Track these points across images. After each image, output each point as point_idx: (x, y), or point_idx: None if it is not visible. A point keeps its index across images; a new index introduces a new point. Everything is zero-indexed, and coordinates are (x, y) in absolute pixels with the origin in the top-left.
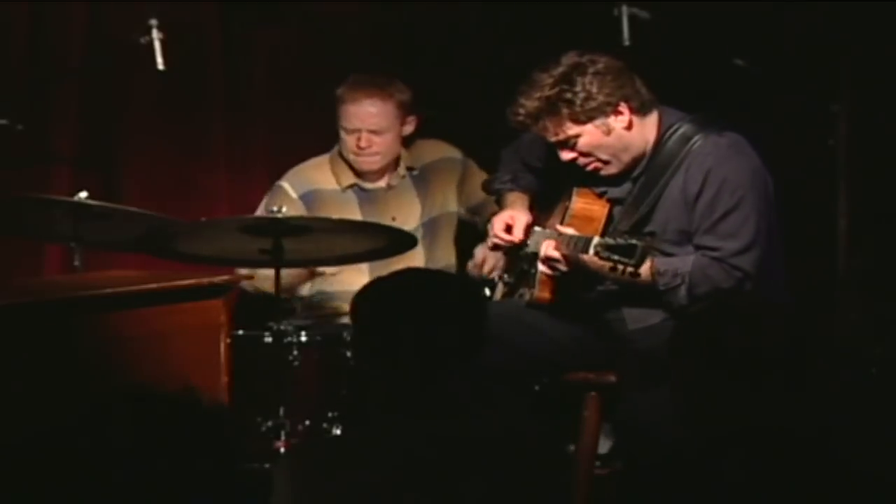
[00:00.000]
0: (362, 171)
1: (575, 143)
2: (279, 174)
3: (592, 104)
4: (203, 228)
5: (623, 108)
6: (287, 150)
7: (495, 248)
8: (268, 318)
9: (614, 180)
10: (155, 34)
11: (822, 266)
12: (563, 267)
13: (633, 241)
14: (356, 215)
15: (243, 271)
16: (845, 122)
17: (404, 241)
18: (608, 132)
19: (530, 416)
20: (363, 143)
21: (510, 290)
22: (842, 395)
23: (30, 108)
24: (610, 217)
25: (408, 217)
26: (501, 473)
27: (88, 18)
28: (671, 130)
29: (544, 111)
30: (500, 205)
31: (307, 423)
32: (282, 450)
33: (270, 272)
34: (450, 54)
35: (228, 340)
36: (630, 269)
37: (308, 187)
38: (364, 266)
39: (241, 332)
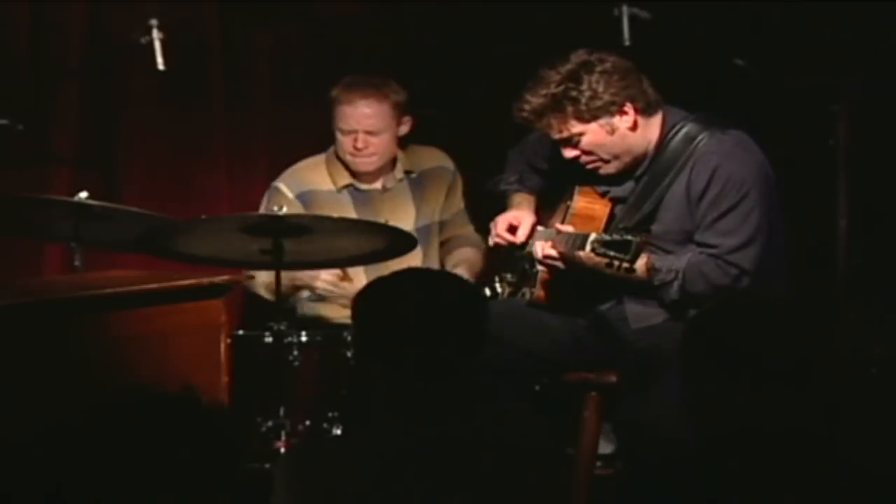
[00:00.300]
0: (359, 172)
1: (578, 141)
2: (279, 174)
3: (598, 103)
4: (203, 228)
5: (628, 108)
6: (287, 150)
7: (496, 246)
8: (268, 318)
9: (617, 179)
10: (155, 34)
11: (822, 266)
12: (559, 265)
13: (628, 238)
14: (350, 216)
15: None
16: (845, 122)
17: (404, 242)
18: (612, 132)
19: (530, 416)
20: (360, 144)
21: (514, 290)
22: (842, 395)
23: (30, 108)
24: (612, 216)
25: (400, 221)
26: (501, 473)
27: (88, 18)
28: (675, 130)
29: (549, 108)
30: (506, 205)
31: (307, 423)
32: (282, 450)
33: (266, 278)
34: (449, 55)
35: (228, 340)
36: (625, 265)
37: (304, 187)
38: (360, 269)
39: (241, 332)
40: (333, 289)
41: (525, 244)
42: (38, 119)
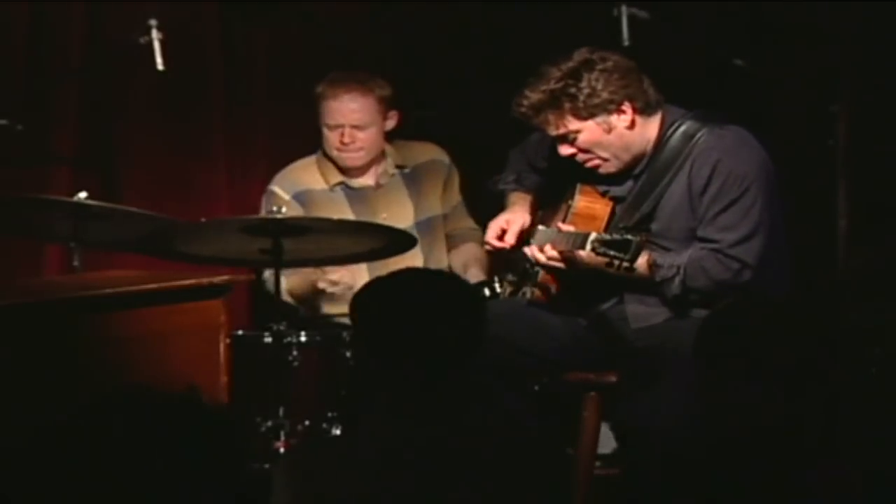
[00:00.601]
0: (346, 168)
1: (575, 139)
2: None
3: (595, 101)
4: (203, 229)
5: (626, 107)
6: (287, 150)
7: (489, 253)
8: (268, 318)
9: (616, 178)
10: (155, 34)
11: (822, 266)
12: (559, 265)
13: (628, 237)
14: (347, 214)
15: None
16: (845, 122)
17: (404, 241)
18: (609, 130)
19: (530, 416)
20: (346, 139)
21: (514, 290)
22: (842, 395)
23: (30, 108)
24: (613, 215)
25: (398, 216)
26: (501, 473)
27: (88, 18)
28: (673, 128)
29: (547, 104)
30: (504, 205)
31: (307, 423)
32: (282, 450)
33: (291, 285)
34: (449, 54)
35: (228, 340)
36: (625, 264)
37: (298, 188)
38: (363, 267)
39: (240, 332)
40: (337, 289)
41: (516, 247)
42: (38, 119)
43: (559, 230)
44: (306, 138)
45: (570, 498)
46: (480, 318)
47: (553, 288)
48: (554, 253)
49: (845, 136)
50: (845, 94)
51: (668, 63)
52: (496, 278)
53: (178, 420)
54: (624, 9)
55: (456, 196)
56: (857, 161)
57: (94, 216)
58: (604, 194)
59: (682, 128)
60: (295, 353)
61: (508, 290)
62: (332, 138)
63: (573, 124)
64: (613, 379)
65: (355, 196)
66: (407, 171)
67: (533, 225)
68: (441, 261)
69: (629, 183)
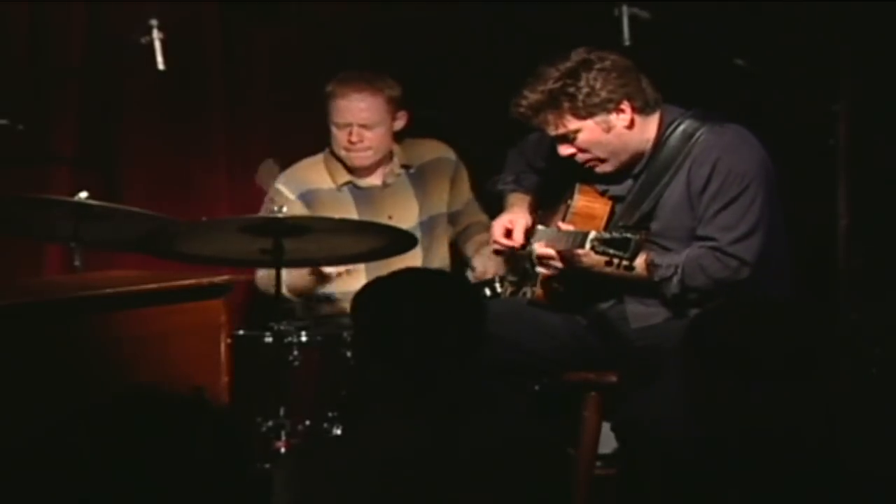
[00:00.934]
0: (354, 167)
1: (574, 138)
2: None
3: (594, 100)
4: (203, 228)
5: (625, 106)
6: (287, 150)
7: (497, 253)
8: (268, 318)
9: (616, 178)
10: (155, 34)
11: (822, 266)
12: (558, 264)
13: (628, 235)
14: (352, 214)
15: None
16: (845, 122)
17: (405, 241)
18: (608, 129)
19: (530, 416)
20: (354, 138)
21: (515, 289)
22: (842, 395)
23: (30, 108)
24: (612, 215)
25: (405, 215)
26: (501, 473)
27: (88, 18)
28: (672, 127)
29: (546, 104)
30: (503, 205)
31: (307, 423)
32: (282, 450)
33: (290, 280)
34: (449, 54)
35: (228, 340)
36: (625, 262)
37: (304, 187)
38: (361, 266)
39: (241, 332)
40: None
41: (524, 245)
42: (38, 119)
43: (559, 229)
44: (307, 138)
45: (570, 498)
46: (480, 318)
47: (553, 287)
48: (550, 251)
49: (845, 136)
50: (845, 94)
51: (668, 63)
52: (496, 278)
53: (183, 421)
54: (624, 9)
55: (466, 192)
56: (857, 161)
57: (95, 216)
58: (603, 193)
59: (682, 127)
60: (295, 352)
61: (509, 290)
62: (340, 137)
63: (572, 124)
64: (613, 379)
65: (361, 196)
66: (413, 170)
67: (533, 225)
68: (440, 259)
69: (629, 182)
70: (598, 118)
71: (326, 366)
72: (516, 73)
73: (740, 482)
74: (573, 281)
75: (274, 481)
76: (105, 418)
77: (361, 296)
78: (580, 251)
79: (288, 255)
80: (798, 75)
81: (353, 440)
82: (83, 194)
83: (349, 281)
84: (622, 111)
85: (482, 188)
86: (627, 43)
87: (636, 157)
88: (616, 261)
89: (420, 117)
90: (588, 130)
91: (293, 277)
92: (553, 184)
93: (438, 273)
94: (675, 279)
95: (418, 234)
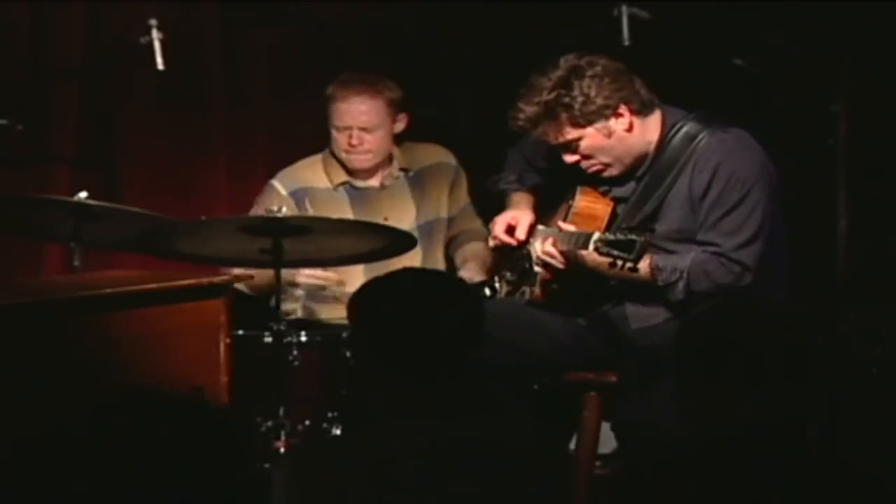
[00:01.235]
0: (354, 169)
1: (577, 147)
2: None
3: (591, 108)
4: (203, 228)
5: (623, 110)
6: (287, 150)
7: (495, 248)
8: (268, 318)
9: (618, 179)
10: (155, 34)
11: (822, 266)
12: (559, 264)
13: (632, 237)
14: (347, 213)
15: (236, 271)
16: (845, 122)
17: (404, 242)
18: (609, 135)
19: (530, 416)
20: (354, 141)
21: (513, 289)
22: (842, 395)
23: (30, 108)
24: (613, 215)
25: (401, 218)
26: (501, 474)
27: (88, 18)
28: (675, 129)
29: (543, 116)
30: (505, 204)
31: (307, 423)
32: (282, 450)
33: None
34: (449, 55)
35: (228, 340)
36: (629, 264)
37: (298, 185)
38: (359, 268)
39: (241, 332)
40: (316, 281)
41: (525, 243)
42: (38, 119)
43: (560, 229)
44: (307, 138)
45: (571, 498)
46: (477, 318)
47: (553, 289)
48: (552, 250)
49: (845, 136)
50: (845, 94)
51: (668, 63)
52: (496, 278)
53: (183, 421)
54: (624, 9)
55: (464, 198)
56: (857, 161)
57: (94, 216)
58: (605, 194)
59: (684, 129)
60: (295, 352)
61: (506, 289)
62: (340, 140)
63: (572, 133)
64: (613, 379)
65: (357, 196)
66: (412, 174)
67: (534, 224)
68: (438, 264)
69: (631, 184)
70: (598, 125)
71: (326, 366)
72: (516, 73)
73: (740, 482)
74: (573, 282)
75: (273, 481)
76: (105, 418)
77: (359, 296)
78: (583, 252)
79: (287, 255)
80: (798, 75)
81: (353, 440)
82: (83, 194)
83: (348, 281)
84: (620, 115)
85: (481, 190)
86: (627, 43)
87: (640, 160)
88: (620, 262)
89: (419, 118)
90: (589, 138)
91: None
92: (553, 183)
93: (435, 272)
94: (681, 284)
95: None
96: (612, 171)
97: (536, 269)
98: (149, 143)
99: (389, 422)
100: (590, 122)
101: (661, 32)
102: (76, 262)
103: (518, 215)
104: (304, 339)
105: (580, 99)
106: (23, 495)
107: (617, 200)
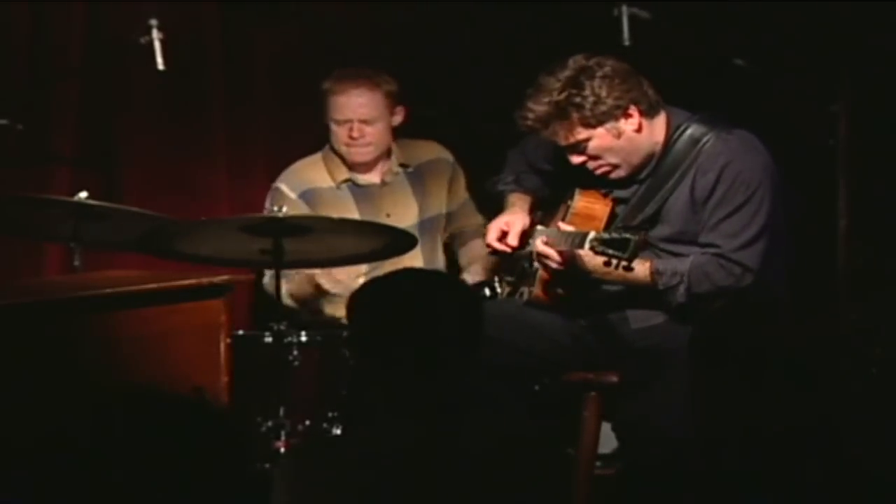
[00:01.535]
0: (354, 164)
1: (585, 147)
2: (279, 174)
3: (602, 108)
4: (203, 228)
5: (633, 110)
6: (287, 150)
7: (492, 253)
8: (268, 318)
9: (620, 180)
10: (155, 34)
11: (822, 266)
12: (555, 264)
13: (627, 236)
14: (352, 212)
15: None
16: (845, 122)
17: (405, 242)
18: (618, 135)
19: (530, 416)
20: (355, 134)
21: (512, 290)
22: (842, 395)
23: (30, 108)
24: (612, 216)
25: (403, 215)
26: (501, 473)
27: (88, 18)
28: (679, 131)
29: (554, 115)
30: (503, 205)
31: (307, 423)
32: (282, 450)
33: (292, 288)
34: (450, 55)
35: (228, 340)
36: (624, 263)
37: (305, 186)
38: (362, 267)
39: (241, 332)
40: (340, 288)
41: (517, 249)
42: (38, 119)
43: (559, 229)
44: (307, 138)
45: (571, 498)
46: (477, 318)
47: (553, 287)
48: (547, 249)
49: (845, 136)
50: (845, 94)
51: (668, 63)
52: (496, 278)
53: (183, 421)
54: (624, 9)
55: (462, 193)
56: (857, 161)
57: (94, 216)
58: (606, 195)
59: (689, 131)
60: (295, 352)
61: (506, 290)
62: (340, 133)
63: (583, 133)
64: (613, 379)
65: (361, 194)
66: (411, 169)
67: (532, 225)
68: (439, 260)
69: (633, 185)
70: (608, 125)
71: (326, 366)
72: (516, 72)
73: (740, 482)
74: (572, 282)
75: (273, 481)
76: (105, 418)
77: (358, 296)
78: (580, 251)
79: (288, 255)
80: (798, 75)
81: (353, 440)
82: (83, 194)
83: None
84: (630, 116)
85: (481, 189)
86: (627, 43)
87: (646, 161)
88: (615, 261)
89: (420, 117)
90: (599, 138)
91: (293, 286)
92: (553, 184)
93: (435, 273)
94: (682, 287)
95: (417, 234)
96: (620, 173)
97: (535, 267)
98: (149, 143)
99: (389, 422)
100: (600, 123)
101: (661, 32)
102: (76, 262)
103: (511, 220)
104: (304, 339)
105: (591, 99)
106: (23, 495)
107: (617, 201)
